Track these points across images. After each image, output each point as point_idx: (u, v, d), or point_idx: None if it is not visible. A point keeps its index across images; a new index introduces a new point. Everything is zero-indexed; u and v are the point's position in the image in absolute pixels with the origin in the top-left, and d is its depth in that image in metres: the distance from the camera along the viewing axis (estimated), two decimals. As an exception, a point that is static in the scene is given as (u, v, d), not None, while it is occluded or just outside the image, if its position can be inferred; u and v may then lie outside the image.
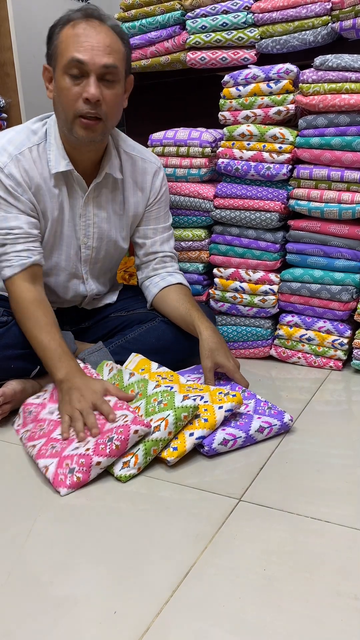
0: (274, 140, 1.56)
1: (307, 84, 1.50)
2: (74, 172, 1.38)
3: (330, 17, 1.62)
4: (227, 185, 1.64)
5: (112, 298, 1.63)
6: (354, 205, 1.49)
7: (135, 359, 1.39)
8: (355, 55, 1.45)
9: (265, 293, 1.63)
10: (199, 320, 1.41)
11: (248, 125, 1.58)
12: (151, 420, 1.15)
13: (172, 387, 1.26)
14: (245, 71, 1.58)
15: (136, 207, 1.50)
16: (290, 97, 1.54)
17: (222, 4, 1.75)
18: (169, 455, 1.12)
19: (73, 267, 1.48)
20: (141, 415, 1.17)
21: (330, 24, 1.62)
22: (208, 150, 1.65)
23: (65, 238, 1.44)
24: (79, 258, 1.48)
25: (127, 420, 1.11)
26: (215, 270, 1.70)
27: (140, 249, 1.57)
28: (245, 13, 1.72)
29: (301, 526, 0.95)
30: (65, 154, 1.37)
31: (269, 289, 1.62)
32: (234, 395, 1.20)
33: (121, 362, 1.43)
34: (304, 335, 1.60)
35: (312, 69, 1.51)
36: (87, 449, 1.09)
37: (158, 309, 1.53)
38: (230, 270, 1.67)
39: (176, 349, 1.49)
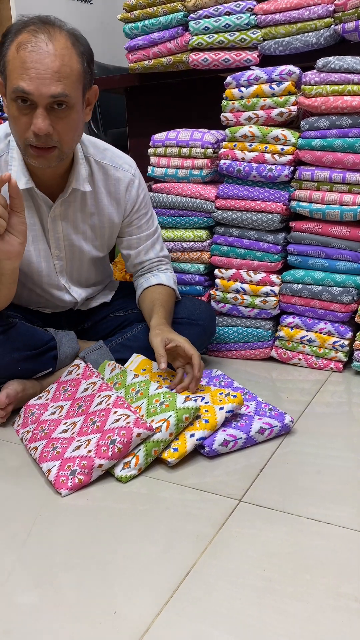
0: (276, 141, 1.56)
1: (310, 86, 1.50)
2: (36, 190, 1.33)
3: (332, 19, 1.62)
4: (229, 186, 1.64)
5: (107, 297, 1.62)
6: (356, 207, 1.49)
7: (136, 360, 1.39)
8: (358, 57, 1.45)
9: (266, 294, 1.63)
10: (155, 314, 1.39)
11: (250, 127, 1.59)
12: (152, 421, 1.15)
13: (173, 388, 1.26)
14: (248, 72, 1.58)
15: (111, 218, 1.46)
16: (293, 98, 1.54)
17: (225, 5, 1.75)
18: (169, 456, 1.12)
19: (54, 279, 1.46)
20: (142, 416, 1.17)
21: (332, 26, 1.62)
22: (210, 151, 1.66)
23: (42, 252, 1.41)
24: (56, 270, 1.46)
25: (129, 422, 1.11)
26: (216, 271, 1.70)
27: (126, 260, 1.56)
28: (248, 15, 1.73)
29: (301, 527, 0.95)
30: (27, 171, 1.31)
31: (270, 290, 1.62)
32: (234, 396, 1.20)
33: (122, 360, 1.43)
34: (304, 336, 1.61)
35: (314, 70, 1.51)
36: (89, 451, 1.09)
37: (140, 310, 1.53)
38: (232, 272, 1.67)
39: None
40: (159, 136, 1.75)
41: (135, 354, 1.42)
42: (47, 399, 1.33)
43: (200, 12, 1.79)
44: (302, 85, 1.52)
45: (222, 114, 1.63)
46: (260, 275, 1.64)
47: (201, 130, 1.70)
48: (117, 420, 1.13)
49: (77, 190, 1.37)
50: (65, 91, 1.15)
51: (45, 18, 1.18)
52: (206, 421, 1.16)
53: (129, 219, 1.49)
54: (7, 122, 1.29)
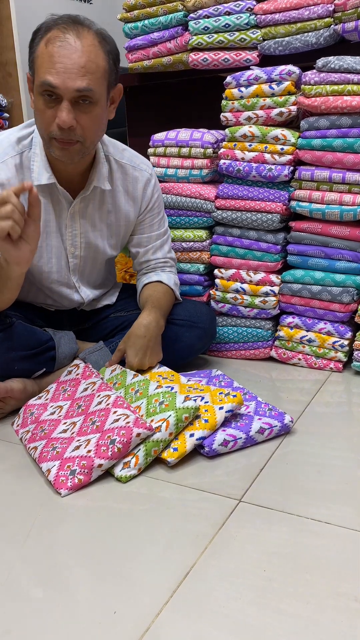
0: (275, 141, 1.56)
1: (309, 86, 1.50)
2: (58, 186, 1.34)
3: (332, 19, 1.62)
4: (229, 186, 1.64)
5: (112, 299, 1.62)
6: (356, 207, 1.49)
7: (136, 360, 1.39)
8: (358, 57, 1.45)
9: (266, 294, 1.63)
10: (145, 310, 1.42)
11: (250, 127, 1.59)
12: (152, 420, 1.15)
13: (173, 388, 1.26)
14: (248, 72, 1.58)
15: (127, 216, 1.47)
16: (293, 98, 1.54)
17: (225, 5, 1.75)
18: (169, 455, 1.12)
19: (65, 277, 1.46)
20: (142, 416, 1.17)
21: (332, 26, 1.62)
22: (210, 151, 1.65)
23: (54, 249, 1.42)
24: (68, 268, 1.46)
25: (128, 422, 1.11)
26: (216, 271, 1.70)
27: (134, 257, 1.57)
28: (248, 14, 1.73)
29: (301, 527, 0.95)
30: (49, 166, 1.32)
31: (270, 290, 1.62)
32: (234, 396, 1.20)
33: (122, 361, 1.42)
34: (304, 336, 1.61)
35: (314, 70, 1.51)
36: (89, 451, 1.09)
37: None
38: (231, 271, 1.67)
39: (176, 348, 1.48)
40: (159, 136, 1.75)
41: (135, 354, 1.42)
42: (47, 399, 1.33)
43: (200, 12, 1.79)
44: (302, 85, 1.52)
45: (222, 113, 1.63)
46: (260, 275, 1.64)
47: (201, 130, 1.70)
48: (117, 420, 1.13)
49: (97, 187, 1.39)
50: (90, 86, 1.18)
51: (75, 17, 1.21)
52: (206, 421, 1.16)
53: (142, 217, 1.50)
54: (31, 118, 1.31)
